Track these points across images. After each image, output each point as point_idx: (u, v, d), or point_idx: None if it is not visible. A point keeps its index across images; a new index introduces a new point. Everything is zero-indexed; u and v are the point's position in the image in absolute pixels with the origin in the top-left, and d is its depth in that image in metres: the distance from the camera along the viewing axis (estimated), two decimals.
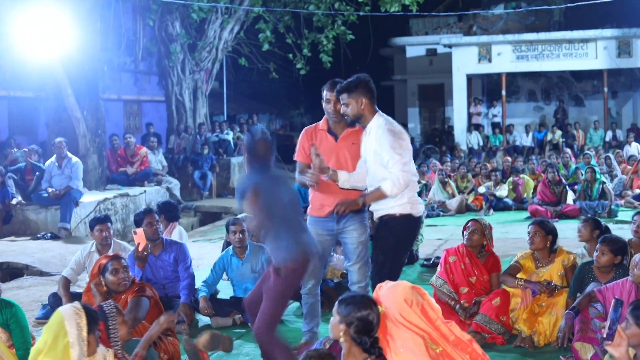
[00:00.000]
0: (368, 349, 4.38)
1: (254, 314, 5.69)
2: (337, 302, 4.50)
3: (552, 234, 7.14)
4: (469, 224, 7.55)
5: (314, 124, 6.73)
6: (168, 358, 6.09)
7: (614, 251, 6.54)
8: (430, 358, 4.32)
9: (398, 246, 6.30)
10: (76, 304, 4.83)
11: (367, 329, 4.39)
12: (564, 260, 7.11)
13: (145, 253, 7.47)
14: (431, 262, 10.43)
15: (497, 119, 29.56)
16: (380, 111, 6.31)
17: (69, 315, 4.68)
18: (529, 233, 7.17)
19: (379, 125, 6.17)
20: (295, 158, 6.66)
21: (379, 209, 6.27)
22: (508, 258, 8.77)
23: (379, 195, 6.09)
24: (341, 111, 6.27)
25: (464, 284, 7.31)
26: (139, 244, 7.40)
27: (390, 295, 4.49)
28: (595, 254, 6.62)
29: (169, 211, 9.32)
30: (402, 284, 4.59)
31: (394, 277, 5.94)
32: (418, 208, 6.32)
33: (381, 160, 6.10)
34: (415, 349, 4.29)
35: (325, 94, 6.45)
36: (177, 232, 9.24)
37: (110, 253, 8.10)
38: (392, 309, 4.41)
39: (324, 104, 6.49)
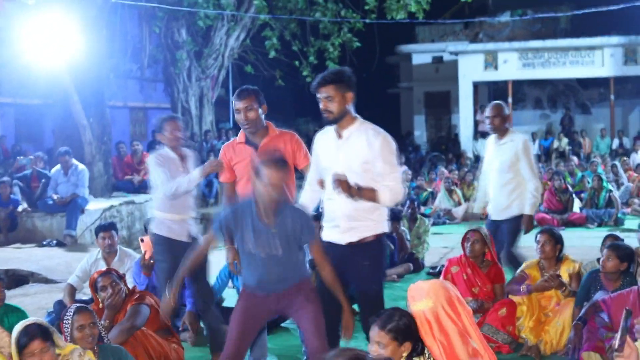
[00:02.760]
0: (421, 348, 4.19)
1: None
2: (377, 330, 4.17)
3: (561, 242, 7.15)
4: (469, 235, 7.53)
5: (231, 140, 6.42)
6: None
7: (620, 257, 6.52)
8: (468, 353, 4.22)
9: (384, 268, 5.77)
10: (31, 319, 4.87)
11: (417, 334, 4.21)
12: (569, 268, 7.10)
13: (151, 261, 7.43)
14: (437, 270, 10.41)
15: None
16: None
17: (15, 329, 4.78)
18: (538, 242, 7.13)
19: (373, 132, 5.37)
20: (220, 180, 6.39)
21: (357, 227, 5.40)
22: None
23: (373, 197, 5.27)
24: (322, 106, 5.41)
25: (467, 294, 7.26)
26: (145, 251, 7.37)
27: (437, 288, 4.30)
28: (601, 259, 6.61)
29: None
30: (437, 280, 4.51)
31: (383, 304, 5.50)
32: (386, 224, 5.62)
33: (373, 170, 5.33)
34: (458, 344, 4.18)
35: (235, 104, 6.03)
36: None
37: (116, 260, 8.13)
38: (443, 301, 4.23)
39: (235, 116, 6.09)
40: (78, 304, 5.46)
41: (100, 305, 6.29)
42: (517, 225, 7.93)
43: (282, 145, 6.07)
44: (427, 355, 4.32)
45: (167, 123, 6.71)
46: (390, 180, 5.29)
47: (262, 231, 5.04)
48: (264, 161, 4.98)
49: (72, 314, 5.27)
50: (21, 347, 4.67)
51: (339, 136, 5.46)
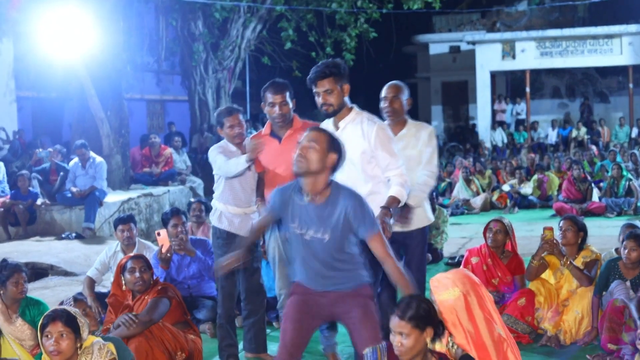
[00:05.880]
0: (442, 332, 4.13)
1: None
2: (397, 320, 4.05)
3: (584, 230, 7.09)
4: (491, 225, 7.52)
5: (257, 132, 6.34)
6: (187, 357, 6.10)
7: None
8: (494, 340, 4.20)
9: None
10: (64, 307, 4.86)
11: (438, 319, 4.16)
12: (586, 255, 7.05)
13: (168, 255, 7.44)
14: (456, 260, 10.40)
15: (522, 116, 29.42)
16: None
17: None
18: (560, 228, 7.06)
19: (367, 121, 5.40)
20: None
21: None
22: None
23: (397, 203, 5.26)
24: (320, 100, 5.40)
25: (487, 285, 7.23)
26: (162, 245, 7.37)
27: (462, 277, 4.30)
28: (624, 251, 6.57)
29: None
30: (459, 269, 4.50)
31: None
32: None
33: (378, 161, 5.41)
34: (484, 331, 4.17)
35: (269, 97, 5.94)
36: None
37: (135, 252, 8.14)
38: (469, 288, 4.22)
39: (267, 109, 6.01)
40: (74, 295, 5.49)
41: (124, 288, 6.27)
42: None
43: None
44: (451, 343, 4.31)
45: (227, 118, 6.29)
46: (393, 171, 5.33)
47: (304, 207, 4.52)
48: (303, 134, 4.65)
49: (71, 304, 5.31)
50: (41, 327, 4.67)
51: (336, 128, 5.49)
